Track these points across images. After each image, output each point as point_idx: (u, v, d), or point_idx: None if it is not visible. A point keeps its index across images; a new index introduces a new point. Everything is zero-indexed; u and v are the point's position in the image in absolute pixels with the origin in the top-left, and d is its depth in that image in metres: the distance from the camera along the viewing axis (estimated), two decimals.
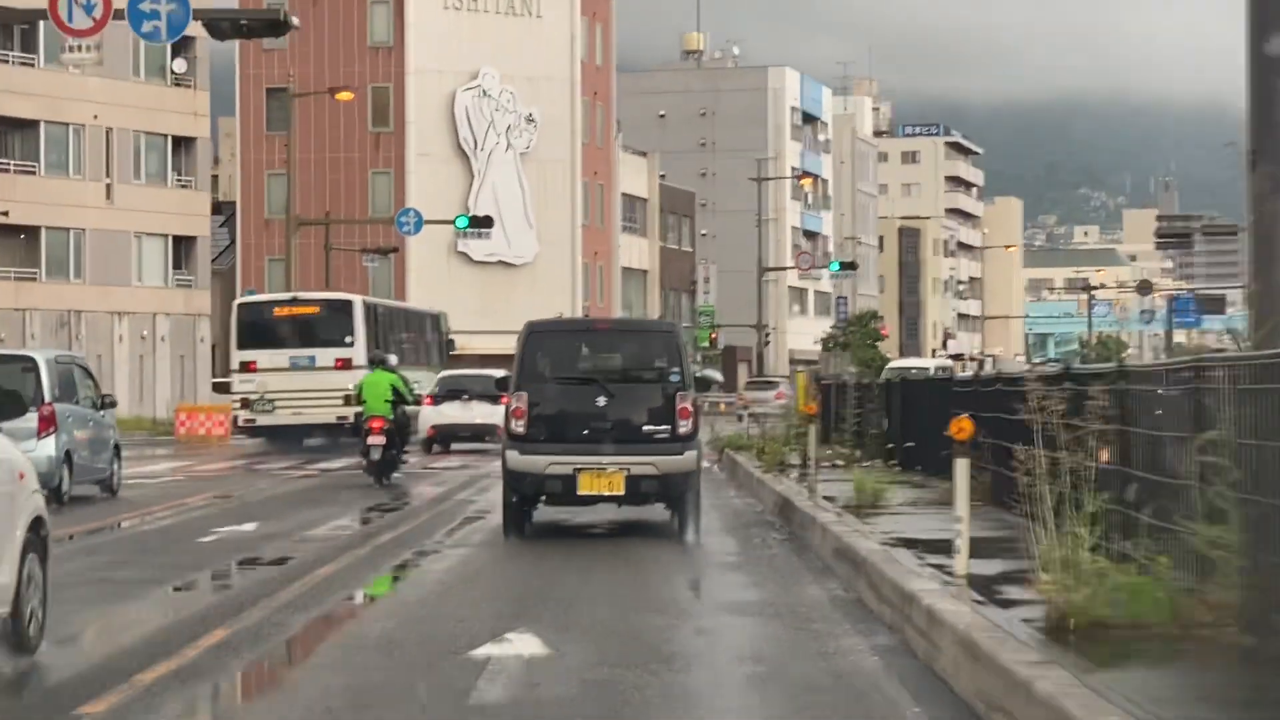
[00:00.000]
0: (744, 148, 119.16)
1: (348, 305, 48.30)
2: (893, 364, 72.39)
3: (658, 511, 22.12)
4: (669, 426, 20.46)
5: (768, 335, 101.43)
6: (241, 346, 47.07)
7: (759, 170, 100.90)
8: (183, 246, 77.94)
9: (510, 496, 20.86)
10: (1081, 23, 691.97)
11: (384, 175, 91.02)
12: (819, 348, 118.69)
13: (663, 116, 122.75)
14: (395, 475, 31.79)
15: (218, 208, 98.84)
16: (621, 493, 20.48)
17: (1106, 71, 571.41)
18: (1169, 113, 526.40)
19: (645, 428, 20.59)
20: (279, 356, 46.46)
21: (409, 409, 32.37)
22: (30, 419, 21.20)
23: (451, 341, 64.69)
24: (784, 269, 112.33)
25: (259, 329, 46.69)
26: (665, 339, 21.75)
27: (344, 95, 72.36)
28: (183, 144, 77.42)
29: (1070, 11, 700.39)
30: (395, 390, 31.27)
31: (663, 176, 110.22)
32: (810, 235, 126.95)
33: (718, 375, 69.18)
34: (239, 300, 52.62)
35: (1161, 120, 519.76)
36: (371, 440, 30.64)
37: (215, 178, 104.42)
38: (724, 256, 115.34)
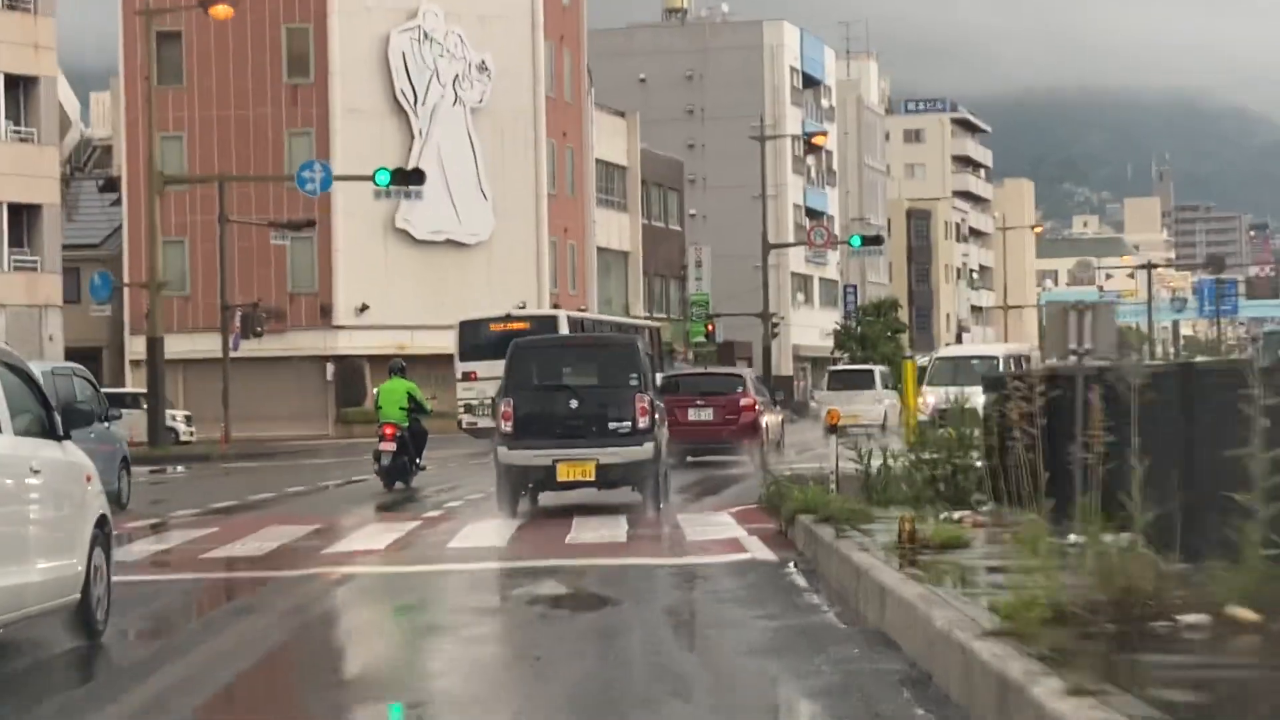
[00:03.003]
0: (737, 114, 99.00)
1: (554, 320, 52.58)
2: (943, 352, 52.41)
3: None
4: (630, 423, 22.92)
5: (776, 326, 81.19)
6: (463, 359, 51.94)
7: (762, 131, 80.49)
8: (24, 218, 57.66)
9: (502, 485, 23.01)
10: (1048, 19, 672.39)
11: (303, 136, 70.89)
12: (828, 343, 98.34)
13: (643, 81, 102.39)
14: (410, 482, 30.09)
15: (112, 184, 78.80)
16: (593, 479, 22.91)
17: (1074, 67, 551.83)
18: (1140, 107, 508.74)
19: (611, 424, 22.94)
20: (495, 367, 49.56)
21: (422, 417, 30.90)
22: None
23: (672, 353, 67.41)
24: (791, 244, 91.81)
25: (478, 343, 50.21)
26: (628, 350, 24.35)
27: (220, 11, 51.82)
28: (20, 85, 57.21)
29: (1036, 7, 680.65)
30: (412, 398, 30.32)
31: (644, 150, 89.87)
32: (814, 215, 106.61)
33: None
34: (462, 319, 55.40)
35: (1133, 115, 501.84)
36: (382, 446, 29.54)
37: (110, 148, 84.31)
38: (715, 239, 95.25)
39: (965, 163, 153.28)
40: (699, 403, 36.26)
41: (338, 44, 71.34)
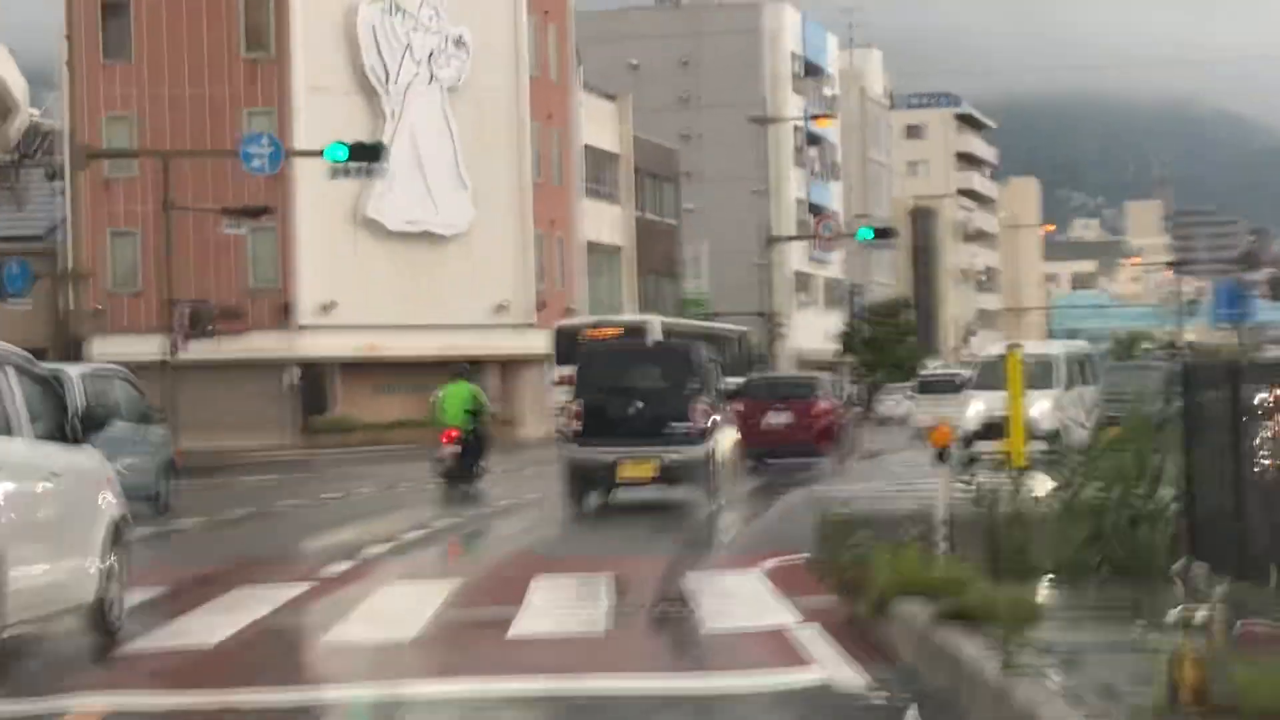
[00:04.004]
0: (734, 103, 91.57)
1: (645, 325, 53.88)
2: (990, 351, 43.84)
3: None
4: (689, 425, 23.95)
5: (779, 327, 74.04)
6: (560, 363, 53.00)
7: (765, 113, 73.20)
8: None
9: (570, 482, 24.34)
10: (1037, 23, 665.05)
11: (263, 115, 63.48)
12: (833, 346, 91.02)
13: (635, 67, 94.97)
14: (476, 485, 29.45)
15: (56, 173, 71.44)
16: (654, 477, 23.92)
17: (1065, 72, 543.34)
18: (1132, 112, 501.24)
19: (671, 426, 23.92)
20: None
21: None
22: None
23: (762, 359, 66.85)
24: (795, 238, 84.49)
25: (574, 348, 48.56)
26: (687, 357, 25.55)
27: None
28: None
29: (1026, 11, 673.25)
30: (474, 401, 29.85)
31: (637, 138, 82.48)
32: (816, 210, 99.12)
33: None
34: (558, 325, 56.72)
35: (1126, 120, 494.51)
36: (445, 450, 29.29)
37: (53, 134, 76.92)
38: (712, 235, 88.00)
39: (969, 160, 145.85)
40: (776, 406, 36.44)
41: (300, 16, 64.12)
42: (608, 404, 24.24)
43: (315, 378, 64.90)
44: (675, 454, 23.77)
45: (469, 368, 32.29)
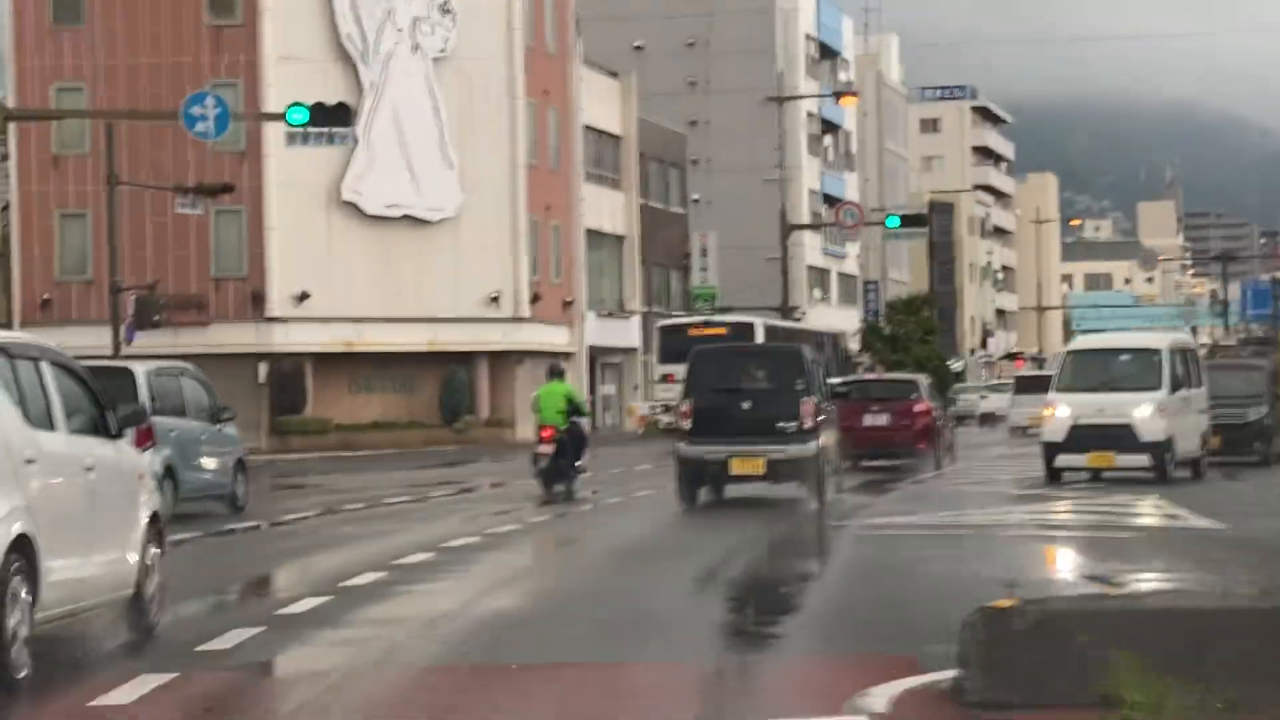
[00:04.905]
0: (745, 88, 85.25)
1: (749, 326, 54.92)
2: (1080, 343, 35.04)
3: None
4: (796, 423, 24.43)
5: (799, 321, 67.63)
6: (662, 361, 56.43)
7: (779, 91, 66.60)
8: None
9: (683, 477, 24.83)
10: (1040, 27, 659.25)
11: (229, 87, 56.88)
12: (852, 345, 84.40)
13: (639, 48, 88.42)
14: (573, 485, 29.01)
15: (7, 153, 65.12)
16: (763, 473, 24.55)
17: (1068, 76, 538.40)
18: (1136, 117, 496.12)
19: (779, 424, 24.49)
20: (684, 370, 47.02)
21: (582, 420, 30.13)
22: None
23: (849, 360, 65.87)
24: (816, 225, 77.93)
25: (677, 346, 49.85)
26: (795, 357, 25.83)
27: None
28: None
29: (1029, 16, 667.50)
30: (570, 401, 29.68)
31: (642, 120, 76.02)
32: (831, 202, 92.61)
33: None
34: (660, 324, 59.00)
35: (1129, 124, 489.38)
36: (540, 449, 29.09)
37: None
38: (721, 226, 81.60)
39: (986, 155, 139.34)
40: (874, 408, 36.10)
41: None
42: (718, 402, 24.64)
43: (287, 374, 58.64)
44: (784, 452, 24.25)
45: (563, 368, 32.19)
